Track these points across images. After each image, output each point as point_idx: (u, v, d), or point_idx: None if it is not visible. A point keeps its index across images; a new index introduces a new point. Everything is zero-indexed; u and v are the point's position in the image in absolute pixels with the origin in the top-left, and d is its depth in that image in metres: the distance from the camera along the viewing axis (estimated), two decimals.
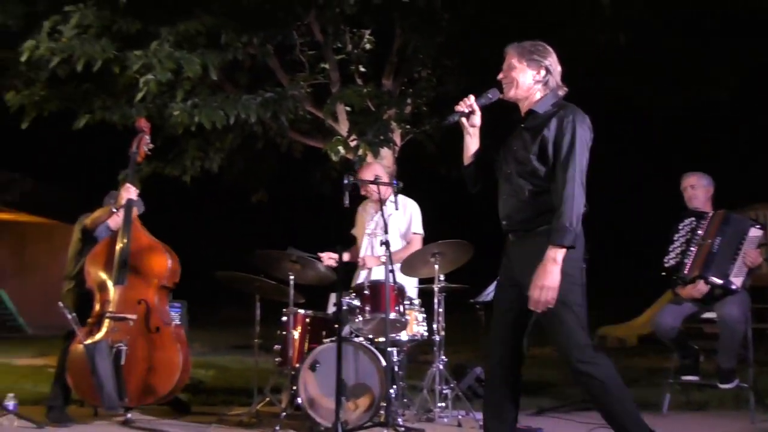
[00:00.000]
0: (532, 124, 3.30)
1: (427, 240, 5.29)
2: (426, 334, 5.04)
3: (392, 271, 4.56)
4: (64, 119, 7.98)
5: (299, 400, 4.54)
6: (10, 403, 4.69)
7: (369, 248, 5.37)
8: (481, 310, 5.70)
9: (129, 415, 4.75)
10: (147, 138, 5.18)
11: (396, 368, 4.71)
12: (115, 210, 4.95)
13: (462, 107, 3.37)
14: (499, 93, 3.40)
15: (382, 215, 4.80)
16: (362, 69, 8.45)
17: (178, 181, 8.82)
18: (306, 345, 4.88)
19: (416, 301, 5.09)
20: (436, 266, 4.92)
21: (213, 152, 8.63)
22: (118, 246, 4.78)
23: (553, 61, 3.35)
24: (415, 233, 5.34)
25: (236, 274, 5.20)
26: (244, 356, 8.65)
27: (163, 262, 4.85)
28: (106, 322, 4.66)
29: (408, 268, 5.05)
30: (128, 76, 6.88)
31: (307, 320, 4.96)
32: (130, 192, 4.90)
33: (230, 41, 6.90)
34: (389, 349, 4.60)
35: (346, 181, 4.61)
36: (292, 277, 4.93)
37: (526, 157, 3.27)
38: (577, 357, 3.17)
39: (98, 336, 4.63)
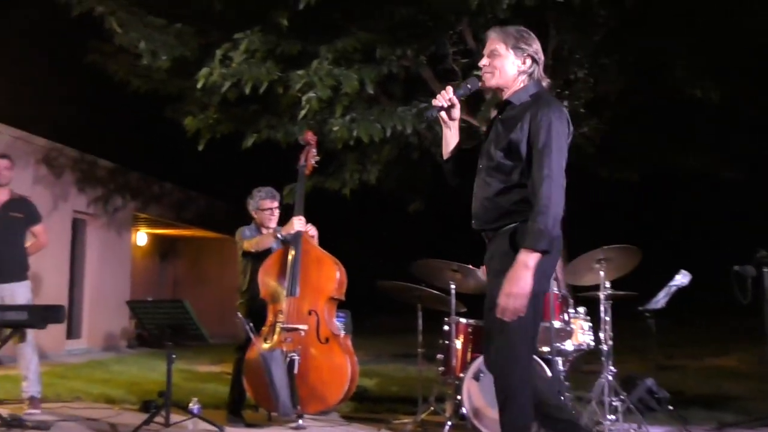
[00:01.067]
0: (507, 116, 3.09)
1: (590, 245, 5.11)
2: (592, 343, 4.88)
3: (556, 278, 4.45)
4: (232, 140, 8.49)
5: (464, 409, 4.53)
6: (195, 407, 5.01)
7: None
8: (651, 318, 5.43)
9: (300, 422, 4.92)
10: (314, 151, 5.37)
11: (562, 379, 4.59)
12: (281, 236, 5.17)
13: (441, 101, 3.18)
14: (479, 82, 3.21)
15: None
16: None
17: (338, 194, 9.10)
18: (469, 354, 4.86)
19: (581, 310, 4.95)
20: (602, 273, 4.73)
21: (370, 164, 8.82)
22: (290, 259, 5.00)
23: (538, 50, 3.12)
24: None
25: (397, 283, 5.26)
26: (407, 365, 8.75)
27: (332, 274, 4.99)
28: (279, 332, 4.88)
29: (572, 274, 4.91)
30: (291, 95, 7.19)
31: (470, 329, 4.94)
32: (299, 225, 5.08)
33: (385, 55, 7.04)
34: (555, 358, 4.49)
35: None
36: (453, 286, 4.94)
37: (494, 153, 3.06)
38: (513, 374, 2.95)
39: (272, 345, 4.86)
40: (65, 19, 7.69)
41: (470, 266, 4.92)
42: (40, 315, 4.93)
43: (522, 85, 3.11)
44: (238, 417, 5.15)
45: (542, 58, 3.14)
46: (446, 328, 4.93)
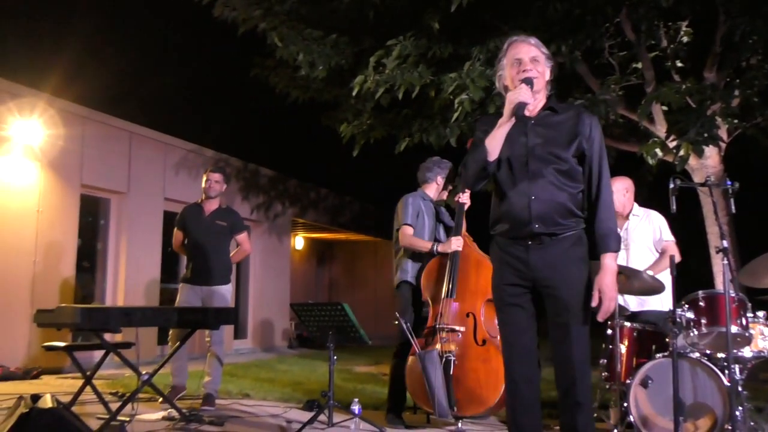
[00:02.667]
0: (551, 121, 3.16)
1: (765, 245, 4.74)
2: None
3: (732, 280, 4.15)
4: (385, 144, 8.63)
5: (631, 417, 4.33)
6: (356, 407, 5.12)
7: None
8: None
9: (459, 425, 4.91)
10: None
11: (740, 388, 4.27)
12: (436, 252, 5.17)
13: (527, 97, 3.06)
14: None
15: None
16: (679, 64, 7.88)
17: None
18: (634, 360, 4.65)
19: (761, 314, 4.58)
20: None
21: None
22: (449, 261, 5.02)
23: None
24: (666, 240, 5.12)
25: None
26: None
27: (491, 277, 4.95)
28: (438, 333, 4.91)
29: (749, 276, 4.56)
30: (443, 98, 7.20)
31: (635, 333, 4.73)
32: (456, 245, 5.07)
33: None
34: (732, 366, 4.18)
35: (672, 185, 4.31)
36: None
37: (563, 157, 3.09)
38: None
39: (431, 346, 4.89)
40: (231, 37, 8.16)
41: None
42: (215, 316, 5.26)
43: (546, 94, 3.23)
44: (397, 418, 5.21)
45: None
46: (609, 331, 4.74)
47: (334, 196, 15.59)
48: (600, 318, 3.04)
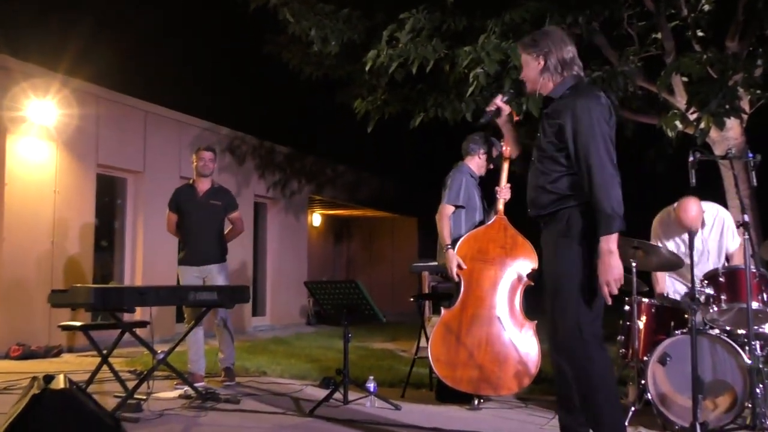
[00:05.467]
0: (551, 109, 3.26)
1: None
2: None
3: (753, 255, 4.06)
4: (400, 120, 8.55)
5: (649, 395, 4.29)
6: (371, 385, 5.12)
7: None
8: None
9: (475, 402, 4.92)
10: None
11: (760, 365, 4.20)
12: (446, 251, 5.11)
13: (491, 107, 3.71)
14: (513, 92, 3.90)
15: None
16: (700, 33, 7.69)
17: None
18: (652, 336, 4.59)
19: None
20: None
21: None
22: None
23: (553, 45, 3.24)
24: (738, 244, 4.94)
25: None
26: None
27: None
28: None
29: None
30: (457, 72, 7.10)
31: (653, 310, 4.68)
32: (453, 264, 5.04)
33: (555, 24, 6.74)
34: (753, 342, 4.11)
35: (691, 158, 4.21)
36: (634, 264, 4.66)
37: (545, 145, 3.24)
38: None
39: None
40: (243, 15, 8.08)
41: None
42: (229, 295, 5.24)
43: (551, 82, 3.29)
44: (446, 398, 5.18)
45: (567, 48, 3.26)
46: (627, 308, 4.68)
47: (352, 173, 15.52)
48: (609, 301, 3.04)
